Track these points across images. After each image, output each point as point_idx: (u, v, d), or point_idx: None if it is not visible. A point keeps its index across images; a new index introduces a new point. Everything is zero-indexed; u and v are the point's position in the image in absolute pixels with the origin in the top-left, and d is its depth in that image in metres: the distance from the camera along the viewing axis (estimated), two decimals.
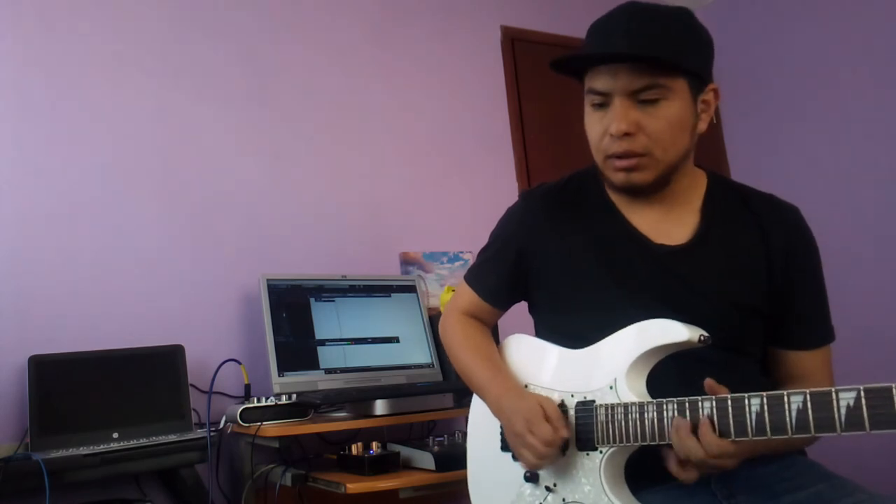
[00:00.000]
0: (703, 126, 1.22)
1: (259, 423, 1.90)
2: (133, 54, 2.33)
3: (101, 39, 2.29)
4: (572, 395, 1.20)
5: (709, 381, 1.04)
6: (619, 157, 1.18)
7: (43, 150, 2.15)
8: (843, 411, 0.89)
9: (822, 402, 0.91)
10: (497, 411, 1.28)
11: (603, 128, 1.19)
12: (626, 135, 1.16)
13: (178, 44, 2.41)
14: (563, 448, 1.17)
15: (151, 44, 2.37)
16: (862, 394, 0.88)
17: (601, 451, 1.14)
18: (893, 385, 0.85)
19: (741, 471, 1.13)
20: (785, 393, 0.94)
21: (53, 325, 2.04)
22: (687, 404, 1.04)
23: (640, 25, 1.14)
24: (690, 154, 1.24)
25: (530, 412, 1.16)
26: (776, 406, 0.95)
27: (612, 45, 1.15)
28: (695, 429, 1.01)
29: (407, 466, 1.87)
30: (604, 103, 1.18)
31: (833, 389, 0.90)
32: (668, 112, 1.16)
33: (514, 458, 1.24)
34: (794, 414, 0.93)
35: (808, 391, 0.92)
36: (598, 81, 1.18)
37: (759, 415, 0.96)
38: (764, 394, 0.97)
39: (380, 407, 1.98)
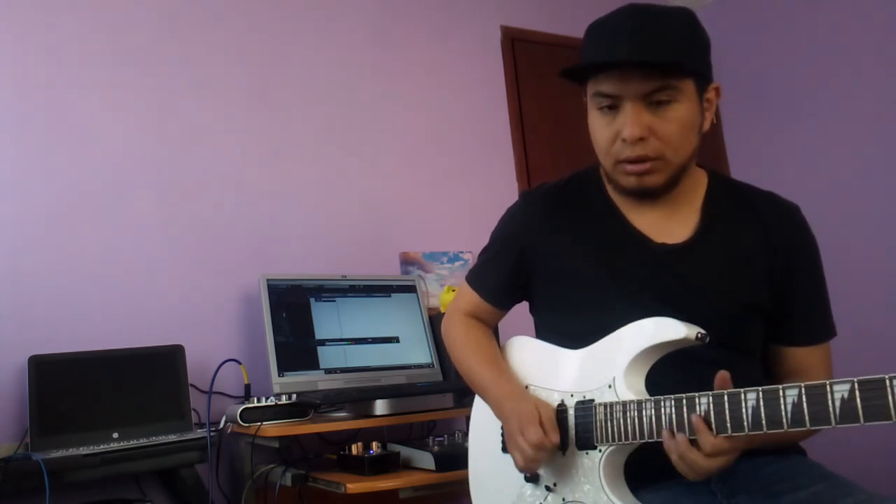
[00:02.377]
0: (706, 125, 1.22)
1: (259, 423, 1.90)
2: (133, 54, 2.33)
3: (102, 39, 2.29)
4: (572, 395, 1.20)
5: (722, 374, 1.01)
6: (633, 161, 1.17)
7: (43, 150, 2.15)
8: (837, 404, 0.89)
9: (817, 395, 0.91)
10: (498, 413, 1.28)
11: (613, 132, 1.18)
12: (640, 139, 1.15)
13: (178, 44, 2.41)
14: (563, 448, 1.17)
15: (152, 44, 2.37)
16: (856, 386, 0.88)
17: (600, 451, 1.14)
18: (887, 376, 0.85)
19: (741, 470, 1.14)
20: (780, 387, 0.94)
21: (53, 325, 2.04)
22: (684, 401, 1.04)
23: (648, 29, 1.13)
24: (696, 154, 1.24)
25: (525, 415, 1.17)
26: (772, 400, 0.95)
27: (622, 49, 1.13)
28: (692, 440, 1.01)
29: (407, 466, 1.87)
30: (612, 106, 1.17)
31: (827, 382, 0.90)
32: (678, 114, 1.15)
33: None
34: (789, 408, 0.93)
35: (802, 384, 0.93)
36: (607, 85, 1.16)
37: (756, 409, 0.96)
38: (759, 388, 0.97)
39: (380, 407, 1.98)
